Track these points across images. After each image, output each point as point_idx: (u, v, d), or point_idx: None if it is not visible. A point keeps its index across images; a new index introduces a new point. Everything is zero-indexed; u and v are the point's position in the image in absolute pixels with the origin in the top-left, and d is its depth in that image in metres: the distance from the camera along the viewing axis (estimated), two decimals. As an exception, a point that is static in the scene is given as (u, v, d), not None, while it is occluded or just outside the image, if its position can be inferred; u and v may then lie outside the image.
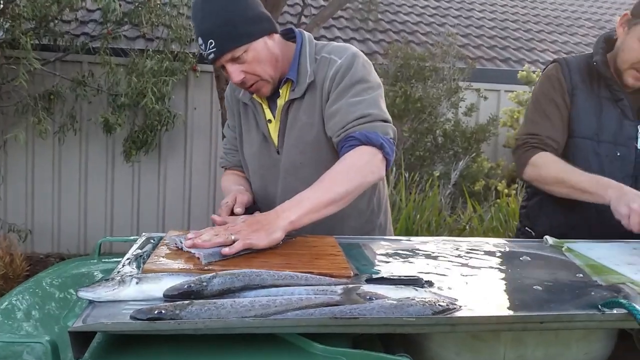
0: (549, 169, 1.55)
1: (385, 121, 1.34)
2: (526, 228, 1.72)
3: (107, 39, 4.43)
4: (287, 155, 1.44)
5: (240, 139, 1.54)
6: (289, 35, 1.46)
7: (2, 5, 3.93)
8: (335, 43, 1.45)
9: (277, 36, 1.39)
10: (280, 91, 1.41)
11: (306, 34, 1.45)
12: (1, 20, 4.03)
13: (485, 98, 5.07)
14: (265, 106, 1.45)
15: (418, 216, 3.53)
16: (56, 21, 4.44)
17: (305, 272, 0.95)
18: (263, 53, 1.33)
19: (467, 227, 3.61)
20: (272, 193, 1.48)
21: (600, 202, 1.42)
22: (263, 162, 1.49)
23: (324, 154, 1.39)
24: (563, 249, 1.23)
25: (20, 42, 3.81)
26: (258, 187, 1.53)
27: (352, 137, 1.30)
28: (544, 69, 1.69)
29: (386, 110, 1.37)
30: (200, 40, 1.31)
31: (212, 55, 1.31)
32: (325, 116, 1.37)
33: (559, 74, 1.60)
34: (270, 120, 1.45)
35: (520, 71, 5.00)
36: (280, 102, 1.42)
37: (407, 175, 3.97)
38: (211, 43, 1.29)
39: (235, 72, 1.33)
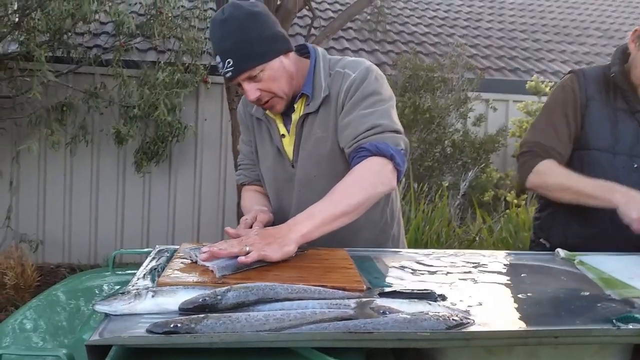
0: (553, 176, 1.56)
1: (396, 132, 1.35)
2: (540, 240, 1.71)
3: (120, 51, 4.48)
4: (302, 168, 1.46)
5: (256, 153, 1.56)
6: (302, 51, 1.48)
7: (17, 19, 3.99)
8: (349, 58, 1.47)
9: (292, 54, 1.41)
10: (295, 106, 1.43)
11: (320, 49, 1.47)
12: (16, 33, 4.10)
13: (495, 109, 5.07)
14: (279, 121, 1.47)
15: (427, 227, 3.52)
16: (70, 34, 4.51)
17: (318, 286, 0.96)
18: (279, 72, 1.36)
19: (477, 238, 3.60)
20: (287, 206, 1.50)
21: (607, 206, 1.44)
22: (278, 175, 1.51)
23: (338, 167, 1.40)
24: (575, 262, 1.23)
25: (34, 55, 3.86)
26: (273, 200, 1.55)
27: (362, 148, 1.32)
28: (562, 78, 1.70)
29: (398, 122, 1.38)
30: (218, 59, 1.34)
31: (229, 74, 1.33)
32: (338, 128, 1.39)
33: (574, 85, 1.60)
34: (284, 135, 1.47)
35: (528, 81, 5.00)
36: (295, 116, 1.44)
37: (415, 185, 3.97)
38: (229, 62, 1.31)
39: (252, 91, 1.35)
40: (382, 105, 1.36)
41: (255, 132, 1.54)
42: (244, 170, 1.64)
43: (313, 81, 1.41)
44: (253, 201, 1.56)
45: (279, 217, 1.48)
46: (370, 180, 1.28)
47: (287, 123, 1.47)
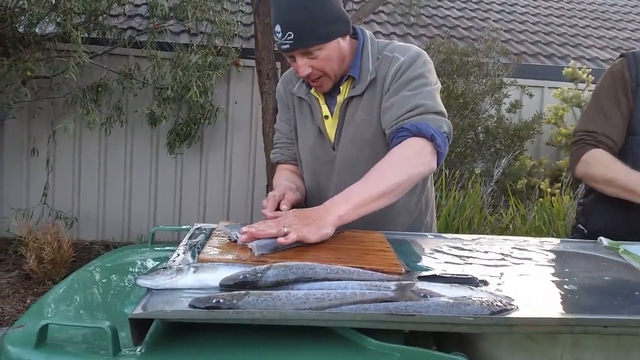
0: (599, 167, 1.52)
1: (440, 114, 1.33)
2: (579, 225, 1.68)
3: (154, 33, 4.51)
4: (343, 150, 1.45)
5: (295, 133, 1.55)
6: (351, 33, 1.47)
7: (54, 1, 4.05)
8: (397, 42, 1.46)
9: (348, 36, 1.40)
10: (341, 88, 1.43)
11: (367, 32, 1.46)
12: (54, 14, 4.16)
13: (531, 95, 4.94)
14: (322, 102, 1.46)
15: (458, 214, 3.48)
16: (105, 15, 4.56)
17: (356, 267, 0.95)
18: (334, 53, 1.35)
19: (510, 226, 3.54)
20: (325, 189, 1.49)
21: None
22: (317, 156, 1.50)
23: (380, 150, 1.38)
24: (620, 250, 1.19)
25: (70, 36, 3.92)
26: (310, 181, 1.54)
27: (403, 128, 1.30)
28: (613, 63, 1.65)
29: (442, 105, 1.36)
30: (278, 28, 1.32)
31: (286, 46, 1.32)
32: (382, 110, 1.38)
33: (624, 69, 1.54)
34: (327, 117, 1.46)
35: (565, 67, 4.86)
36: (340, 98, 1.43)
37: (447, 172, 3.92)
38: (289, 35, 1.30)
39: (304, 67, 1.35)
40: (426, 88, 1.35)
41: (296, 111, 1.53)
42: (281, 148, 1.63)
43: (360, 64, 1.41)
44: (284, 178, 1.54)
45: (315, 198, 1.47)
46: (409, 161, 1.27)
47: (330, 104, 1.46)
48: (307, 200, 1.54)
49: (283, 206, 1.31)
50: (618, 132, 1.54)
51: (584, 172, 1.56)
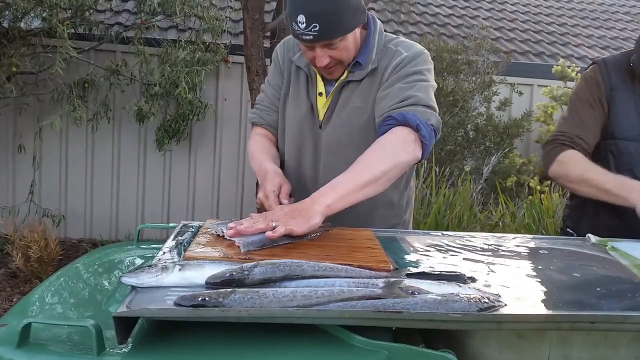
0: (574, 167, 1.54)
1: (429, 107, 1.34)
2: (568, 229, 1.69)
3: (141, 29, 4.46)
4: (333, 134, 1.45)
5: (285, 100, 1.53)
6: None
7: (40, -5, 4.00)
8: (403, 38, 1.47)
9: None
10: None
11: (379, 22, 1.47)
12: (39, 9, 4.10)
13: (521, 93, 4.97)
14: (319, 78, 1.47)
15: (448, 211, 3.49)
16: (91, 11, 4.50)
17: (344, 265, 0.95)
18: (352, 42, 1.37)
19: (499, 224, 3.56)
20: (305, 165, 1.49)
21: (624, 205, 1.41)
22: (304, 130, 1.49)
23: (370, 139, 1.38)
24: (607, 247, 1.20)
25: (57, 31, 3.87)
26: (291, 154, 1.53)
27: (390, 117, 1.32)
28: (585, 70, 1.68)
29: (434, 101, 1.37)
30: (301, 19, 1.29)
31: (309, 37, 1.31)
32: (376, 100, 1.40)
33: (597, 76, 1.58)
34: (320, 94, 1.47)
35: (555, 66, 4.89)
36: (338, 80, 1.44)
37: (437, 169, 3.93)
38: (315, 26, 1.29)
39: (323, 57, 1.35)
40: (422, 82, 1.36)
41: (292, 79, 1.52)
42: (261, 111, 1.58)
43: (367, 52, 1.42)
44: (262, 151, 1.50)
45: (297, 172, 1.48)
46: (393, 149, 1.28)
47: (326, 83, 1.47)
48: (284, 170, 1.51)
49: (284, 201, 1.29)
50: (591, 136, 1.57)
51: (559, 171, 1.58)
